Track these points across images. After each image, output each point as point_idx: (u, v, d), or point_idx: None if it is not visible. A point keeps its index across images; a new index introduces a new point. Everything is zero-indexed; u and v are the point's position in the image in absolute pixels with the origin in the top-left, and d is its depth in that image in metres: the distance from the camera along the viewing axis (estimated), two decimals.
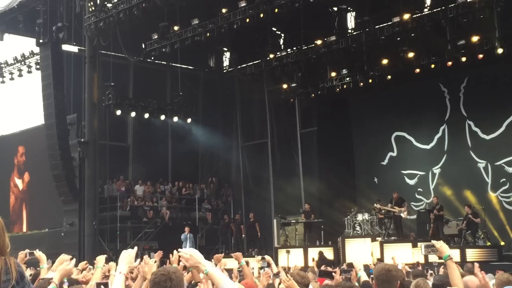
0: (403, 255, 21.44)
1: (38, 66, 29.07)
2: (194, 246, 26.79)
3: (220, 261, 10.27)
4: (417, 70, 25.38)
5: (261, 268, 12.61)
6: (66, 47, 28.43)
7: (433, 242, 6.06)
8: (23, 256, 7.50)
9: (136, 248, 5.63)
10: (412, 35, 23.50)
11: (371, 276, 7.28)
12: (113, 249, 27.18)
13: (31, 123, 34.47)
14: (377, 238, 23.50)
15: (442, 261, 6.10)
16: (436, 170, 27.08)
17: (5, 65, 31.17)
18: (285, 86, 29.39)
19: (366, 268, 10.11)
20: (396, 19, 23.27)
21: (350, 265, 10.91)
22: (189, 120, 29.93)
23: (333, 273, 9.56)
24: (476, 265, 5.33)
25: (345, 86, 27.63)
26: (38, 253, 7.28)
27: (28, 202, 33.90)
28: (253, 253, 25.60)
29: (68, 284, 6.25)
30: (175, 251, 7.98)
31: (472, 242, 22.53)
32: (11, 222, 33.90)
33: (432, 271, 14.12)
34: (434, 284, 6.70)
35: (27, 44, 30.22)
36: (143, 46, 27.53)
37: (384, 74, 26.34)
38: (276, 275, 9.26)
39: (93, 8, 25.97)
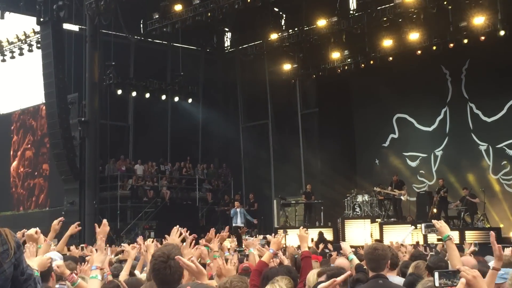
0: (402, 236, 21.50)
1: (39, 45, 28.98)
2: (244, 220, 26.11)
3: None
4: (419, 52, 25.28)
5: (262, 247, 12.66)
6: (67, 26, 28.30)
7: (434, 221, 6.07)
8: (20, 236, 7.44)
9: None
10: (414, 16, 23.39)
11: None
12: (113, 228, 27.24)
13: (31, 102, 34.52)
14: (376, 220, 23.56)
15: (439, 242, 6.15)
16: (438, 152, 27.05)
17: (6, 43, 31.08)
18: (286, 67, 29.30)
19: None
20: (399, 1, 23.12)
21: (338, 248, 10.86)
22: (190, 100, 29.90)
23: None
24: (492, 234, 5.37)
25: (346, 68, 27.59)
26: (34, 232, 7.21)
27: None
28: (252, 234, 25.65)
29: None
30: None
31: (471, 224, 22.57)
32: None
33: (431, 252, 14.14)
34: (429, 266, 6.72)
35: (28, 23, 30.16)
36: (144, 25, 27.39)
37: (385, 55, 26.24)
38: (275, 255, 9.27)
39: None
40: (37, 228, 6.70)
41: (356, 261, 7.65)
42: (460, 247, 9.71)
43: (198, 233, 8.72)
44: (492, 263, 7.74)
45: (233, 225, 25.59)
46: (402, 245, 12.82)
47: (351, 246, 8.38)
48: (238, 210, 26.18)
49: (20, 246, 3.42)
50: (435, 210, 22.95)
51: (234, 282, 4.33)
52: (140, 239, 9.67)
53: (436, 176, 26.27)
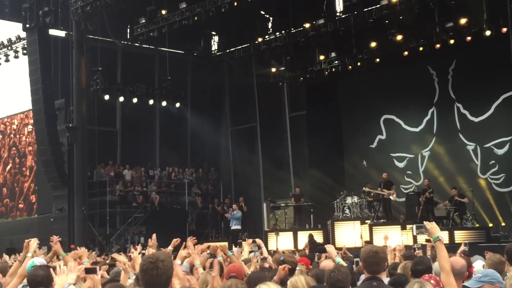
0: (392, 237, 21.52)
1: (25, 51, 28.84)
2: (238, 223, 26.06)
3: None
4: (406, 53, 25.43)
5: (251, 251, 12.65)
6: (53, 32, 28.22)
7: (425, 223, 6.09)
8: (26, 245, 7.48)
9: None
10: (401, 17, 23.47)
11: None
12: (102, 234, 27.16)
13: (18, 109, 34.35)
14: (366, 221, 23.59)
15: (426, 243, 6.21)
16: (425, 152, 27.14)
17: None
18: (273, 69, 29.35)
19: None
20: (384, 2, 23.18)
21: (323, 250, 10.87)
22: (177, 105, 29.84)
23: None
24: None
25: (333, 70, 27.67)
26: (32, 241, 7.26)
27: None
28: (242, 237, 25.65)
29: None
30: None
31: (460, 223, 22.64)
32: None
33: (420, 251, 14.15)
34: (413, 269, 6.73)
35: (13, 29, 30.02)
36: (131, 30, 27.34)
37: (372, 57, 26.35)
38: (264, 259, 9.32)
39: None
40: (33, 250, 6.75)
41: (343, 263, 7.68)
42: (449, 247, 9.73)
43: (187, 237, 8.66)
44: (476, 263, 7.81)
45: (231, 228, 25.87)
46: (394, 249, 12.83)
47: (337, 249, 8.40)
48: (234, 213, 26.26)
49: None
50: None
51: (238, 284, 4.94)
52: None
53: (424, 176, 26.34)
